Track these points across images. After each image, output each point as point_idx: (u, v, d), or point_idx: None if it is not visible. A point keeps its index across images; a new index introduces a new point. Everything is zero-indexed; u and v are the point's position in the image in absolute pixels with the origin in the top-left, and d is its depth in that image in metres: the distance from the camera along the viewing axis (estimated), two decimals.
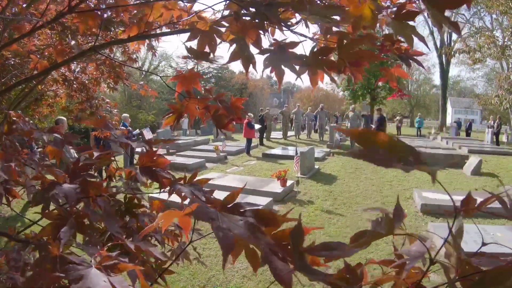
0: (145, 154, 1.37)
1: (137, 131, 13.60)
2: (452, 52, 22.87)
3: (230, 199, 0.82)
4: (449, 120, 50.23)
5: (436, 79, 55.55)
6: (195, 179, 1.47)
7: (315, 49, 1.02)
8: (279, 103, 58.93)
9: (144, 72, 30.01)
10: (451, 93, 63.96)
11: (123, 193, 1.62)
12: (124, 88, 27.98)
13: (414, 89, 57.72)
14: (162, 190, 1.50)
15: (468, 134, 29.32)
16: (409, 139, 22.18)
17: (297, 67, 1.02)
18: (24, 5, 2.41)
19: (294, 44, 1.06)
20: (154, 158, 1.39)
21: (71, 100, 7.17)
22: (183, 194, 1.41)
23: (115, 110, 7.54)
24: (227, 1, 1.14)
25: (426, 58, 46.36)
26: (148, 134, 17.36)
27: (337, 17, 1.13)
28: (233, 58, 1.07)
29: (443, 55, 33.77)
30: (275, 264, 0.70)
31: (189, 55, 1.23)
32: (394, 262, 0.85)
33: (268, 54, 1.04)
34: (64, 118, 8.03)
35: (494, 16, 26.60)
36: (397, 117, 32.81)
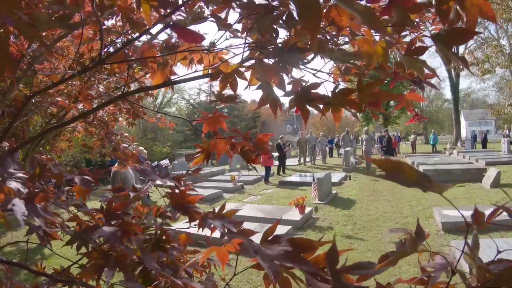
0: (178, 193, 1.45)
1: (155, 163, 13.80)
2: (461, 66, 22.80)
3: (269, 232, 0.90)
4: (463, 133, 49.57)
5: (447, 93, 55.20)
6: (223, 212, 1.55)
7: (337, 90, 1.11)
8: (293, 130, 59.14)
9: (158, 105, 30.59)
10: (463, 105, 63.35)
11: (155, 230, 1.69)
12: (139, 121, 28.46)
13: (426, 105, 57.42)
14: (192, 224, 1.58)
15: (484, 146, 28.88)
16: (425, 157, 21.92)
17: (321, 106, 1.10)
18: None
19: (317, 85, 1.15)
20: (186, 195, 1.47)
21: (89, 136, 7.36)
22: (212, 226, 1.48)
23: (134, 144, 7.70)
24: (249, 49, 1.24)
25: (436, 73, 46.10)
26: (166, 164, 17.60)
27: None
28: (261, 103, 1.16)
29: (452, 69, 33.65)
30: (317, 286, 0.77)
31: (215, 99, 1.33)
32: (421, 279, 0.91)
33: (293, 96, 1.13)
34: (142, 148, 7.95)
35: (499, 24, 26.58)
36: (411, 135, 32.54)
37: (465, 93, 63.48)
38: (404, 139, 41.00)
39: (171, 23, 1.15)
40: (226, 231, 1.37)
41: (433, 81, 1.88)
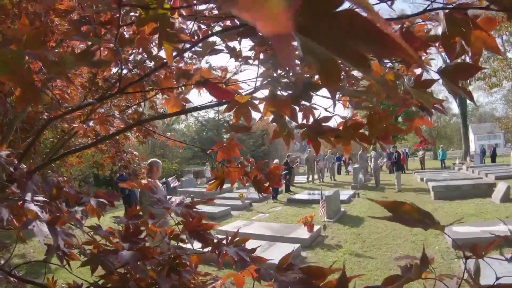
0: (192, 221, 1.50)
1: (163, 180, 13.87)
2: (468, 81, 22.82)
3: (284, 261, 0.95)
4: (472, 147, 49.10)
5: (455, 108, 54.93)
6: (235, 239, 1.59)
7: (348, 124, 1.16)
8: (301, 147, 59.04)
9: (166, 123, 30.86)
10: (472, 120, 62.84)
11: (170, 254, 1.74)
12: (148, 138, 28.72)
13: (434, 120, 57.02)
14: (206, 249, 1.62)
15: (493, 160, 28.60)
16: (434, 173, 21.77)
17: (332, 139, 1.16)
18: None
19: (327, 119, 1.20)
20: (201, 223, 1.52)
21: (99, 152, 7.43)
22: (225, 251, 1.53)
23: (143, 163, 7.76)
24: (263, 83, 1.30)
25: (442, 88, 46.06)
26: (174, 182, 17.64)
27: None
28: (275, 136, 1.22)
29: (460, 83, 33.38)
30: None
31: (230, 130, 1.39)
32: None
33: (305, 129, 1.18)
34: (159, 161, 7.83)
35: (504, 37, 26.43)
36: (420, 151, 32.27)
37: (473, 107, 63.07)
38: (412, 155, 40.69)
39: (203, 81, 1.21)
40: (238, 258, 1.41)
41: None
